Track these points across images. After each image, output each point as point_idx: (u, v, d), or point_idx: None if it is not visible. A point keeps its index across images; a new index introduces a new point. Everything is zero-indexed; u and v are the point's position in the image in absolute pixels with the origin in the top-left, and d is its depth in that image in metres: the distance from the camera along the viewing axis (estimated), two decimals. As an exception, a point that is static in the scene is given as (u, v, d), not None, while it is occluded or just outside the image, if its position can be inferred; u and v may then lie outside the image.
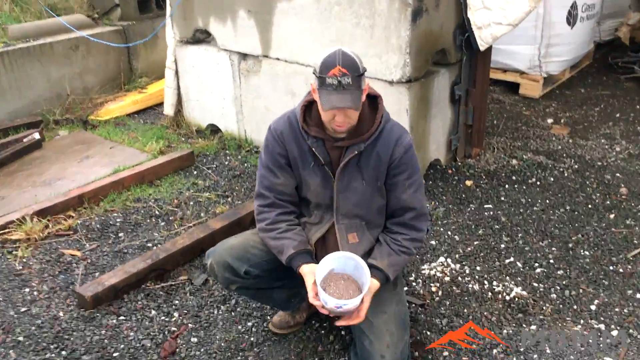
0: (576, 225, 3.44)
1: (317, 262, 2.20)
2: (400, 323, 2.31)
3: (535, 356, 2.51)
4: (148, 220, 3.62)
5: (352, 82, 1.96)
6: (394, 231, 2.28)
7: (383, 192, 2.26)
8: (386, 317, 2.21)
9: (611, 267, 3.06)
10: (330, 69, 1.96)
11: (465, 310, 2.79)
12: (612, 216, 3.52)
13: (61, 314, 2.83)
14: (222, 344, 2.64)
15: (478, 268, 3.08)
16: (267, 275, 2.37)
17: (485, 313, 2.76)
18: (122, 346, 2.63)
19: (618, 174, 4.00)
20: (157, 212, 3.69)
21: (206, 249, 3.26)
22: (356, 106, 2.00)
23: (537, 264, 3.10)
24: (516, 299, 2.84)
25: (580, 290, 2.90)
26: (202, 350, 2.61)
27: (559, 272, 3.04)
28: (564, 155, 4.30)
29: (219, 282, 2.67)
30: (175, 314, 2.83)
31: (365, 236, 2.31)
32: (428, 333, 2.66)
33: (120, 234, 3.48)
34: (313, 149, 2.19)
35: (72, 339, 2.67)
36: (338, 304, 2.00)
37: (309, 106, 2.19)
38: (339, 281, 2.12)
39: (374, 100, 2.22)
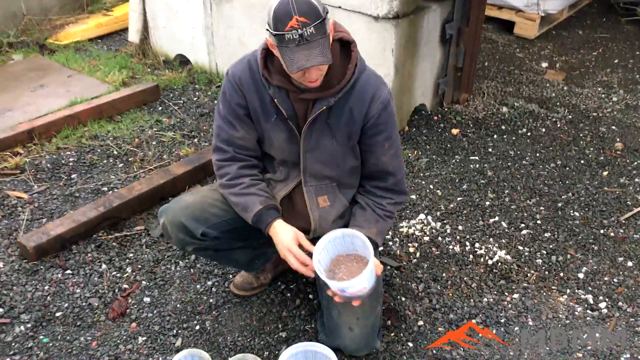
0: (567, 182, 3.21)
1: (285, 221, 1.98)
2: (373, 293, 2.09)
3: (516, 329, 2.32)
4: (105, 161, 3.31)
5: (315, 31, 1.62)
6: (378, 195, 2.04)
7: (357, 152, 1.98)
8: (357, 286, 1.99)
9: (602, 231, 2.86)
10: (286, 22, 1.61)
11: (444, 275, 2.57)
12: (605, 173, 3.29)
13: (1, 265, 2.56)
14: (178, 305, 2.40)
15: (460, 227, 2.85)
16: (227, 236, 2.11)
17: (465, 278, 2.55)
18: (66, 305, 2.38)
19: (614, 127, 3.75)
20: (115, 152, 3.37)
21: (167, 196, 3.01)
22: (328, 59, 1.67)
23: (523, 225, 2.88)
24: (499, 263, 2.63)
25: (568, 256, 2.70)
26: (155, 312, 2.37)
27: (546, 235, 2.82)
28: (558, 103, 4.02)
29: (172, 244, 2.43)
30: (128, 269, 2.58)
31: (338, 199, 2.04)
32: (402, 299, 2.45)
33: (73, 176, 3.17)
34: (275, 100, 1.88)
35: (11, 294, 2.41)
36: (340, 286, 1.77)
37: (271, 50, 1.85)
38: (351, 263, 1.89)
39: (346, 45, 1.89)
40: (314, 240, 2.18)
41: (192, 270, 2.59)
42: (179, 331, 2.29)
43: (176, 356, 2.01)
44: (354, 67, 1.85)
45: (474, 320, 2.35)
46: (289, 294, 2.47)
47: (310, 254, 1.91)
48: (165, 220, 2.06)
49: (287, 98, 1.88)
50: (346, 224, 2.12)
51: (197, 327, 2.31)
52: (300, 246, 1.91)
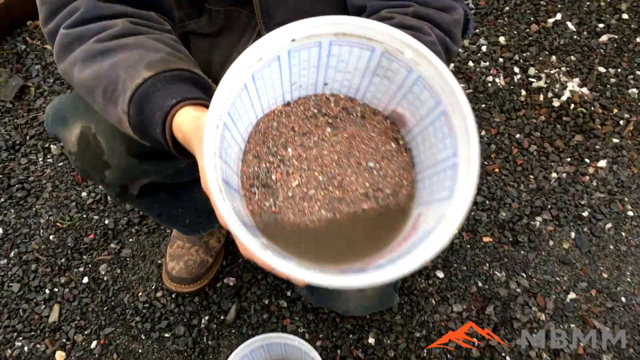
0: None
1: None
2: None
3: (608, 226, 1.43)
4: None
5: None
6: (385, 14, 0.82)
7: None
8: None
9: None
10: None
11: (484, 134, 1.58)
12: None
13: None
14: (51, 238, 1.43)
15: (502, 39, 1.76)
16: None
17: (517, 137, 1.56)
18: None
19: None
20: None
21: (21, 20, 1.88)
22: None
23: (601, 25, 1.79)
24: (571, 104, 1.62)
25: (679, 78, 1.68)
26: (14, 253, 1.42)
27: (638, 39, 1.75)
28: None
29: (102, 182, 1.13)
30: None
31: None
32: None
33: None
34: None
35: None
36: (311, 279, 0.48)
37: None
38: (314, 128, 0.61)
39: None
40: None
41: (68, 162, 1.56)
42: (55, 290, 1.37)
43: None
44: None
45: (539, 217, 1.44)
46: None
47: None
48: (86, 131, 0.91)
49: None
50: None
51: (85, 280, 1.38)
52: None
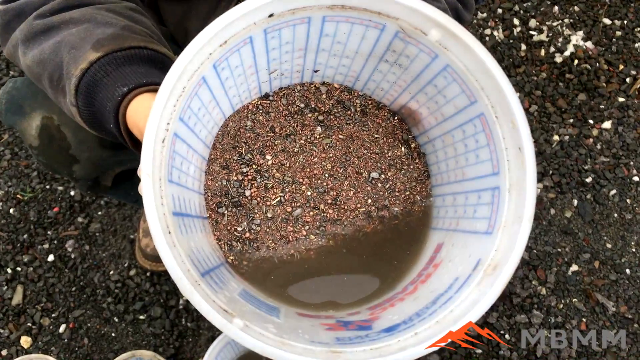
0: None
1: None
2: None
3: (612, 192, 1.34)
4: None
5: None
6: None
7: None
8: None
9: None
10: None
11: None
12: None
13: None
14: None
15: (501, -12, 1.63)
16: None
17: (518, 95, 1.45)
18: None
19: None
20: None
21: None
22: None
23: (606, -29, 1.66)
24: (575, 60, 1.50)
25: (688, 31, 1.56)
26: None
27: (646, -12, 1.63)
28: None
29: (73, 175, 0.97)
30: None
31: None
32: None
33: None
34: None
35: None
36: None
37: None
38: (300, 128, 0.50)
39: None
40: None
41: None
42: (17, 269, 1.26)
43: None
44: None
45: (540, 184, 1.35)
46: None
47: None
48: (48, 122, 0.76)
49: None
50: None
51: (50, 258, 1.27)
52: None
